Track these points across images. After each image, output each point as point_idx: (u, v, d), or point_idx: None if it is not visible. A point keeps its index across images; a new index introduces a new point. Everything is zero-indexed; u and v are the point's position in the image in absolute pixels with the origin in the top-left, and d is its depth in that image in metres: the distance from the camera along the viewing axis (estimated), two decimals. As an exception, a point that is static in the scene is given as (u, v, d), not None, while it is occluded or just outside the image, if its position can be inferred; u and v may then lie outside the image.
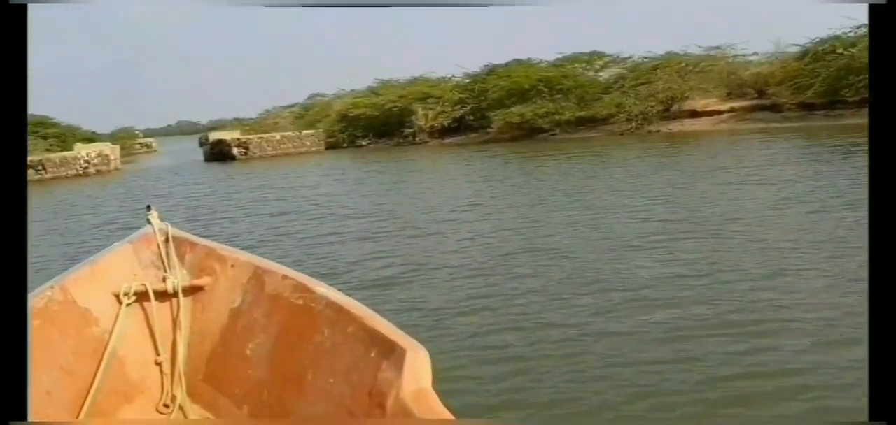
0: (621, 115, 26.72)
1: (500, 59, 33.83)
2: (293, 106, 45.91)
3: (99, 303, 2.87)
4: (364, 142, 34.83)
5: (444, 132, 32.60)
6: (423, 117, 32.41)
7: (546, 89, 29.30)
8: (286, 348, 2.65)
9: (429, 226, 9.46)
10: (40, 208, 17.28)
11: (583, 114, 28.01)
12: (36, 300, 2.69)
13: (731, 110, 25.94)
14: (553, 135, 28.11)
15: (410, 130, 32.84)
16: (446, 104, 32.89)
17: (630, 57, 30.86)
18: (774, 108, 24.50)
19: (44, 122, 42.33)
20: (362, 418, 2.21)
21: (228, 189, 17.95)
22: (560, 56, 32.10)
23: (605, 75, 30.94)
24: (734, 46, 28.12)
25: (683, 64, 27.68)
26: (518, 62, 32.64)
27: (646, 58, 29.77)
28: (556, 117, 28.17)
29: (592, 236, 7.78)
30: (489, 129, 29.70)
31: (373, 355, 2.28)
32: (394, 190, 14.80)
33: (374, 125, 35.20)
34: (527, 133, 28.74)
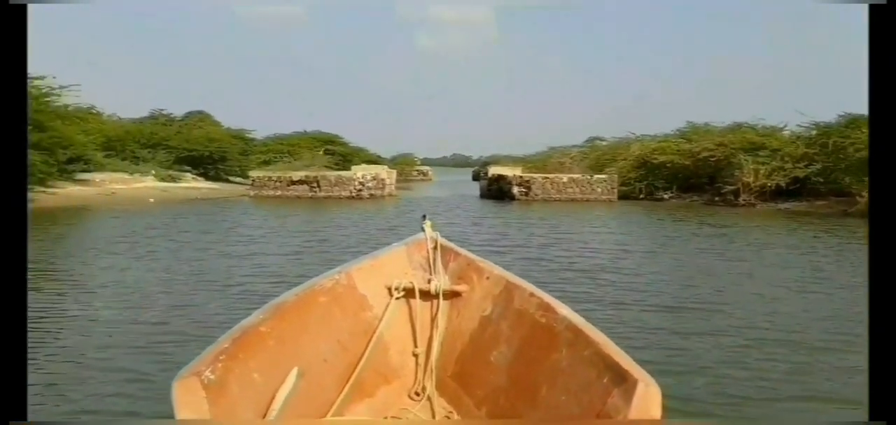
0: None
1: (856, 108, 25.02)
2: (570, 147, 41.22)
3: (374, 293, 3.18)
4: (665, 196, 28.68)
5: (777, 195, 25.05)
6: (751, 172, 25.18)
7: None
8: (526, 361, 2.75)
9: None
10: (302, 234, 14.15)
11: None
12: (325, 281, 3.06)
13: None
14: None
15: (731, 187, 25.80)
16: (786, 159, 25.26)
17: None
18: None
19: (333, 140, 43.30)
20: None
21: (519, 238, 13.26)
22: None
23: None
24: None
25: None
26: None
27: None
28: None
29: None
30: (858, 197, 21.47)
31: (605, 381, 2.26)
32: (809, 289, 8.66)
33: (681, 176, 28.87)
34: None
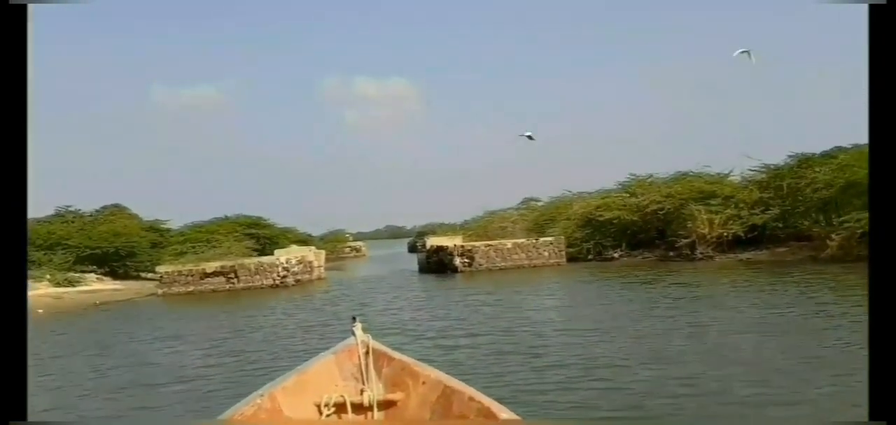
0: None
1: (808, 146, 24.32)
2: (507, 210, 39.41)
3: (301, 413, 2.96)
4: (615, 255, 27.01)
5: (735, 244, 23.68)
6: (704, 223, 23.76)
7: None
8: None
9: None
10: (208, 345, 11.35)
11: None
12: (246, 408, 2.84)
13: None
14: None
15: (686, 240, 24.28)
16: (740, 206, 24.00)
17: None
18: None
19: (257, 223, 40.07)
20: None
21: (475, 322, 10.86)
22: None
23: None
24: None
25: None
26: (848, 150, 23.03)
27: None
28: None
29: None
30: (828, 241, 20.14)
31: None
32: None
33: (629, 232, 27.33)
34: None
